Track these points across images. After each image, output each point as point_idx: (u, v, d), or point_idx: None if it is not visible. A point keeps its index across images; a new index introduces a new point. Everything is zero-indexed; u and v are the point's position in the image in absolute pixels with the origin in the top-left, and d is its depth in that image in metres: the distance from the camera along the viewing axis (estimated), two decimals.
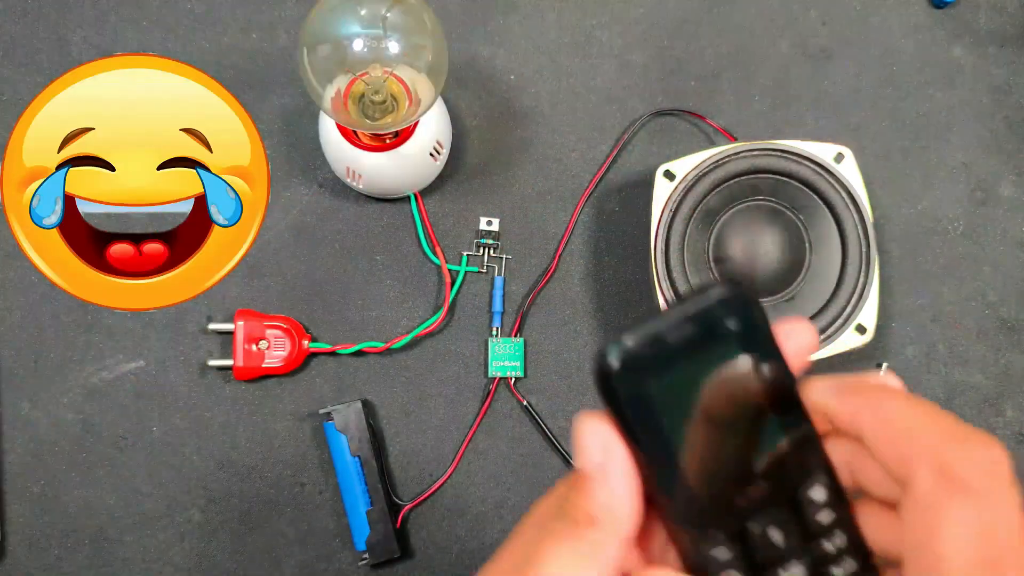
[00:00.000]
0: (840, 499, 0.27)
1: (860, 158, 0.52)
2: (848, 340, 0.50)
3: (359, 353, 0.55)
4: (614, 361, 0.26)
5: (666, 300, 0.51)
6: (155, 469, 0.55)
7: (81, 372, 0.55)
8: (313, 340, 0.55)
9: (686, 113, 0.57)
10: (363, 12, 0.46)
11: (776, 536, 0.27)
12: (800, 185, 0.52)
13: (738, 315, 0.26)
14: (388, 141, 0.51)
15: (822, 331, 0.51)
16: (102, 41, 0.57)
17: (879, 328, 0.54)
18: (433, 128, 0.52)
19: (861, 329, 0.51)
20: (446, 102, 0.56)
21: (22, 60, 0.56)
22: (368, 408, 0.55)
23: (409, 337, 0.54)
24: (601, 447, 0.26)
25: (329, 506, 0.55)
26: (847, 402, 0.25)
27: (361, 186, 0.54)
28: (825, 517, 0.27)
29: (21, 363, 0.55)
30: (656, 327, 0.26)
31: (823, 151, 0.51)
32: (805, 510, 0.27)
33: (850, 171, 0.51)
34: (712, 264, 0.52)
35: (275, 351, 0.54)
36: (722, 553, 0.27)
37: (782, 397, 0.26)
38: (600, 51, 0.57)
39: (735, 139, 0.56)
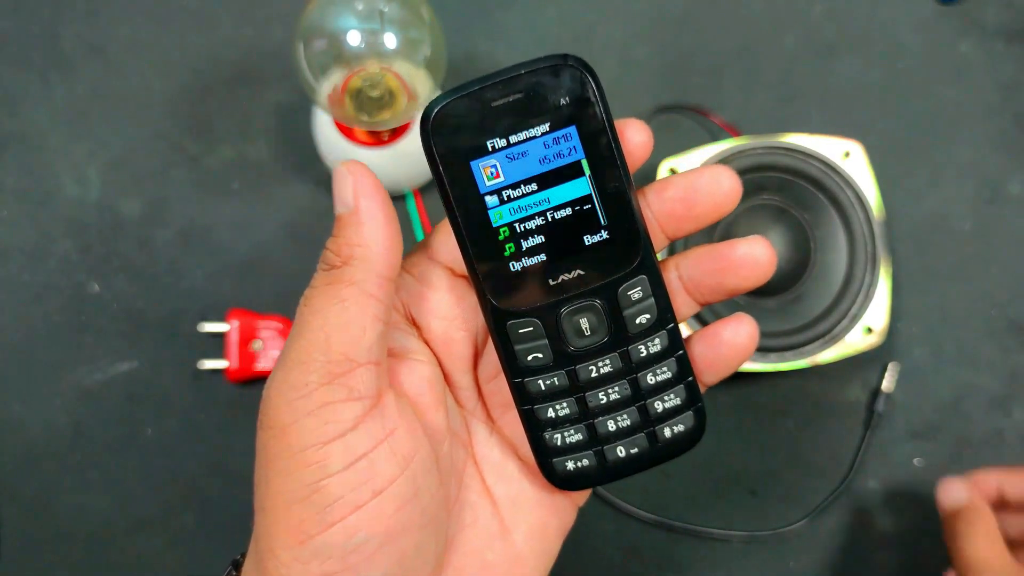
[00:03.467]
0: (662, 305, 0.28)
1: (866, 155, 0.51)
2: (855, 341, 0.50)
3: None
4: (430, 117, 0.26)
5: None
6: (148, 472, 0.54)
7: (73, 374, 0.54)
8: None
9: (690, 109, 0.56)
10: (360, 6, 0.45)
11: (584, 324, 0.27)
12: (806, 183, 0.51)
13: (572, 89, 0.26)
14: (385, 137, 0.50)
15: (828, 331, 0.50)
16: (95, 37, 0.56)
17: (887, 329, 0.53)
18: None
19: (869, 330, 0.50)
20: None
21: (14, 57, 0.56)
22: None
23: None
24: (352, 191, 0.27)
25: None
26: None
27: None
28: (642, 318, 0.28)
29: (12, 364, 0.54)
30: (482, 87, 0.26)
31: (830, 148, 0.50)
32: (624, 308, 0.28)
33: (858, 168, 0.50)
34: None
35: (270, 351, 0.53)
36: (533, 339, 0.27)
37: (611, 188, 0.27)
38: (602, 46, 0.57)
39: (740, 135, 0.55)
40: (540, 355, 0.28)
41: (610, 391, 0.28)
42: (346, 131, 0.50)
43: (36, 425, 0.54)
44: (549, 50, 0.56)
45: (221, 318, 0.54)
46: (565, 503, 0.32)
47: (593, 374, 0.28)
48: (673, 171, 0.51)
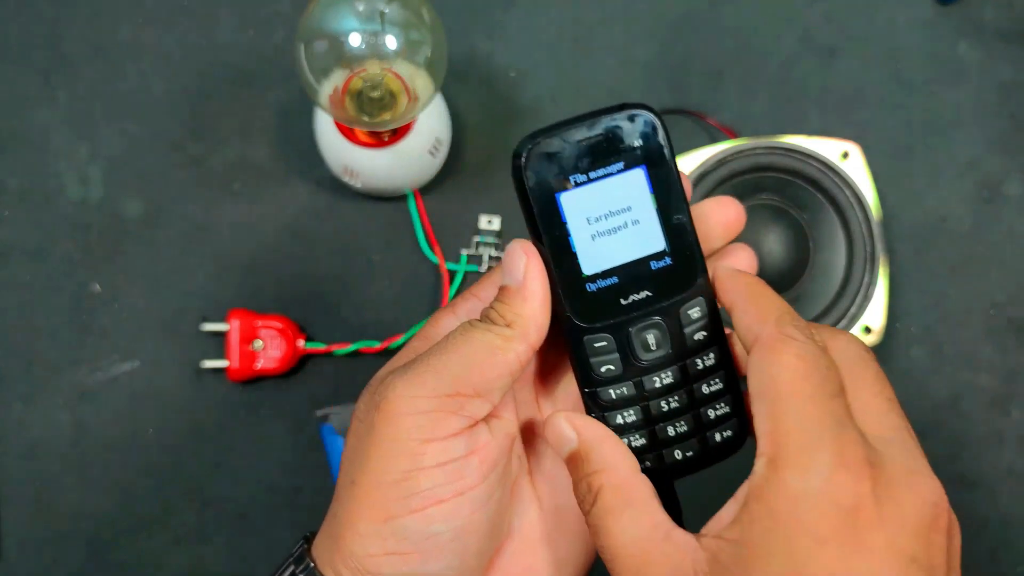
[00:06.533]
0: (716, 324, 0.32)
1: (864, 156, 0.51)
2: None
3: (356, 353, 0.55)
4: (523, 155, 0.30)
5: None
6: (150, 471, 0.54)
7: (75, 373, 0.54)
8: (309, 340, 0.54)
9: (688, 113, 0.56)
10: (361, 7, 0.46)
11: (651, 340, 0.31)
12: (805, 184, 0.51)
13: (645, 134, 0.30)
14: (386, 138, 0.50)
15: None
16: (97, 38, 0.56)
17: (885, 328, 0.53)
18: (432, 125, 0.52)
19: (867, 330, 0.50)
20: (445, 98, 0.55)
21: (16, 57, 0.56)
22: None
23: (406, 336, 0.54)
24: (523, 268, 0.30)
25: (326, 509, 0.54)
26: (725, 288, 0.31)
27: (358, 184, 0.53)
28: (699, 335, 0.31)
29: (14, 364, 0.54)
30: (567, 129, 0.30)
31: (829, 148, 0.51)
32: (684, 326, 0.31)
33: (856, 169, 0.50)
34: None
35: (270, 351, 0.53)
36: (606, 352, 0.31)
37: (675, 220, 0.31)
38: (602, 47, 0.57)
39: (739, 136, 0.55)
40: (612, 367, 0.31)
41: (671, 400, 0.32)
42: (347, 132, 0.50)
43: (38, 424, 0.54)
44: (548, 52, 0.57)
45: (222, 318, 0.54)
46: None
47: (656, 384, 0.31)
48: None
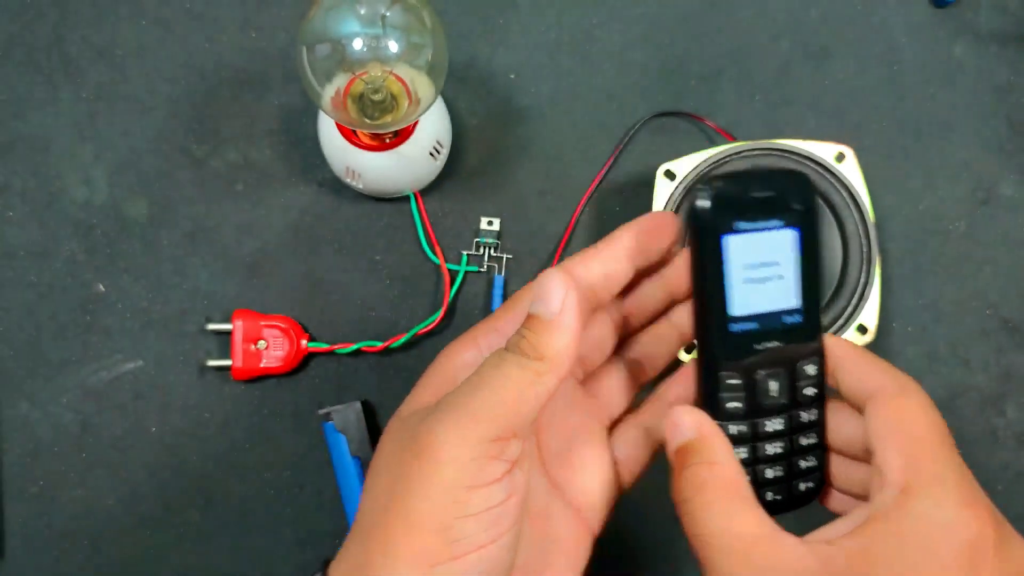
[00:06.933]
0: (822, 383, 0.35)
1: (860, 157, 0.51)
2: (850, 340, 0.50)
3: (358, 353, 0.55)
4: (705, 199, 0.33)
5: None
6: (153, 470, 0.55)
7: (79, 372, 0.55)
8: (312, 340, 0.55)
9: (686, 115, 0.57)
10: (362, 11, 0.46)
11: (773, 387, 0.34)
12: None
13: (805, 201, 0.34)
14: (388, 140, 0.51)
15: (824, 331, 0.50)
16: (101, 40, 0.57)
17: (880, 328, 0.54)
18: (433, 127, 0.52)
19: (862, 329, 0.50)
20: (446, 101, 0.56)
21: (20, 60, 0.56)
22: (368, 408, 0.55)
23: (408, 336, 0.54)
24: (561, 299, 0.31)
25: (329, 507, 0.55)
26: (835, 351, 0.35)
27: (360, 186, 0.53)
28: (809, 390, 0.34)
29: (19, 363, 0.55)
30: (739, 182, 0.34)
31: (824, 151, 0.51)
32: (798, 380, 0.34)
33: (851, 171, 0.51)
34: None
35: (273, 351, 0.54)
36: (736, 390, 0.34)
37: (811, 283, 0.34)
38: (600, 50, 0.57)
39: (735, 139, 0.56)
40: (738, 404, 0.34)
41: (775, 445, 0.34)
42: (349, 134, 0.51)
43: (43, 423, 0.55)
44: (547, 55, 0.57)
45: (225, 318, 0.55)
46: (582, 535, 0.36)
47: (768, 429, 0.34)
48: (669, 173, 0.51)
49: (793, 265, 0.34)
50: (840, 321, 0.50)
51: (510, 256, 0.56)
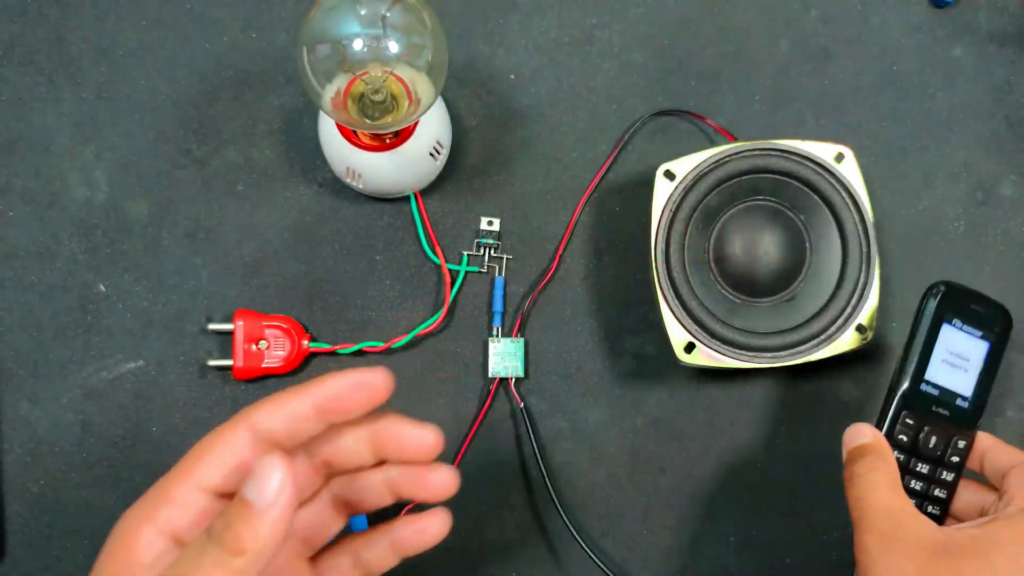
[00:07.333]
0: (963, 462, 0.46)
1: (860, 158, 0.52)
2: (848, 340, 0.50)
3: (359, 353, 0.55)
4: (938, 294, 0.46)
5: (667, 300, 0.51)
6: (155, 470, 0.54)
7: (80, 372, 0.55)
8: (313, 340, 0.55)
9: (686, 113, 0.57)
10: (363, 11, 0.46)
11: (932, 441, 0.46)
12: (800, 185, 0.51)
13: (1004, 327, 0.47)
14: (388, 141, 0.51)
15: (822, 331, 0.51)
16: (102, 41, 0.57)
17: (879, 328, 0.54)
18: (433, 128, 0.52)
19: (861, 329, 0.51)
20: (446, 102, 0.56)
21: (21, 59, 0.56)
22: None
23: (409, 337, 0.54)
24: (277, 487, 0.29)
25: None
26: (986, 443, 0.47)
27: (361, 186, 0.54)
28: (953, 458, 0.46)
29: (20, 363, 0.55)
30: (968, 294, 0.47)
31: (823, 151, 0.51)
32: (949, 447, 0.46)
33: (850, 171, 0.51)
34: (712, 264, 0.52)
35: (275, 351, 0.54)
36: (908, 429, 0.46)
37: (984, 385, 0.47)
38: (600, 50, 0.57)
39: (735, 139, 0.56)
40: (905, 438, 0.46)
41: (915, 482, 0.46)
42: (349, 134, 0.51)
43: (44, 423, 0.55)
44: (547, 56, 0.57)
45: (225, 318, 0.55)
46: None
47: (916, 468, 0.46)
48: (669, 173, 0.51)
49: (977, 367, 0.47)
50: (839, 321, 0.50)
51: (510, 256, 0.56)
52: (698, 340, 0.50)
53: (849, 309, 0.50)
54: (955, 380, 0.46)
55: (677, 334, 0.50)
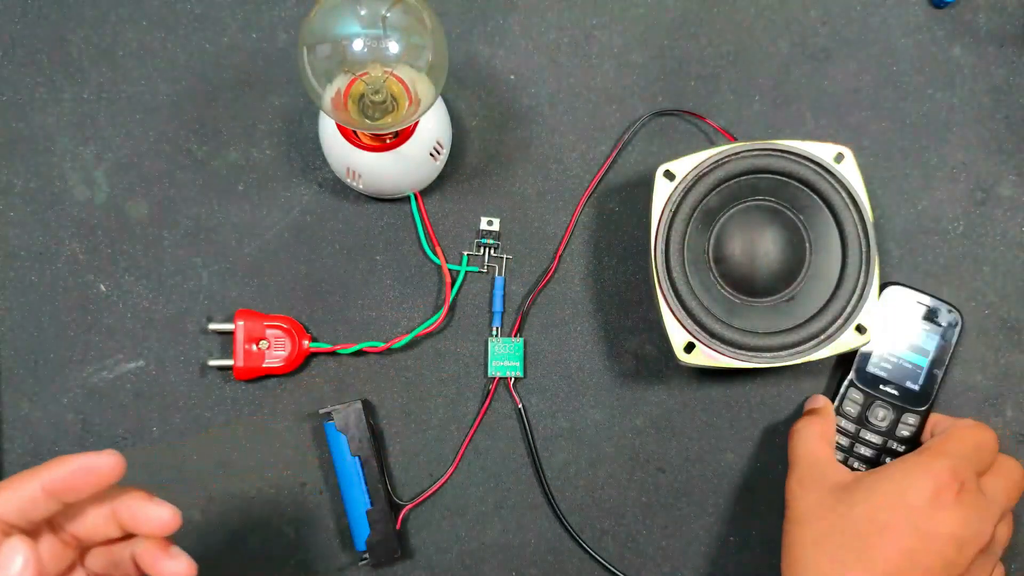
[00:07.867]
0: (917, 436, 0.54)
1: (859, 158, 0.52)
2: (848, 340, 0.50)
3: (359, 353, 0.55)
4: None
5: (666, 300, 0.51)
6: (155, 469, 0.55)
7: (81, 372, 0.55)
8: (313, 340, 0.55)
9: (686, 113, 0.57)
10: (363, 12, 0.46)
11: (880, 414, 0.53)
12: (800, 185, 0.51)
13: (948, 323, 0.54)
14: (388, 141, 0.51)
15: (822, 331, 0.51)
16: (102, 41, 0.57)
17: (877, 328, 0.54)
18: (433, 128, 0.52)
19: (861, 329, 0.51)
20: (446, 102, 0.56)
21: (21, 60, 0.56)
22: (368, 408, 0.55)
23: (409, 337, 0.55)
24: (20, 567, 0.32)
25: (329, 506, 0.55)
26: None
27: (361, 186, 0.54)
28: (904, 432, 0.53)
29: (21, 363, 0.55)
30: (917, 292, 0.54)
31: (823, 151, 0.51)
32: (898, 421, 0.53)
33: (850, 171, 0.51)
34: (712, 264, 0.52)
35: (275, 351, 0.54)
36: (855, 403, 0.53)
37: (932, 389, 0.54)
38: (600, 51, 0.57)
39: (735, 139, 0.56)
40: (852, 411, 0.55)
41: (865, 448, 0.54)
42: (349, 135, 0.51)
43: (44, 423, 0.55)
44: (547, 56, 0.57)
45: (226, 318, 0.55)
46: None
47: (865, 437, 0.54)
48: (668, 173, 0.52)
49: (929, 355, 0.54)
50: (839, 321, 0.50)
51: (510, 256, 0.57)
52: (698, 340, 0.50)
53: (849, 309, 0.50)
54: (904, 367, 0.54)
55: (677, 334, 0.51)
